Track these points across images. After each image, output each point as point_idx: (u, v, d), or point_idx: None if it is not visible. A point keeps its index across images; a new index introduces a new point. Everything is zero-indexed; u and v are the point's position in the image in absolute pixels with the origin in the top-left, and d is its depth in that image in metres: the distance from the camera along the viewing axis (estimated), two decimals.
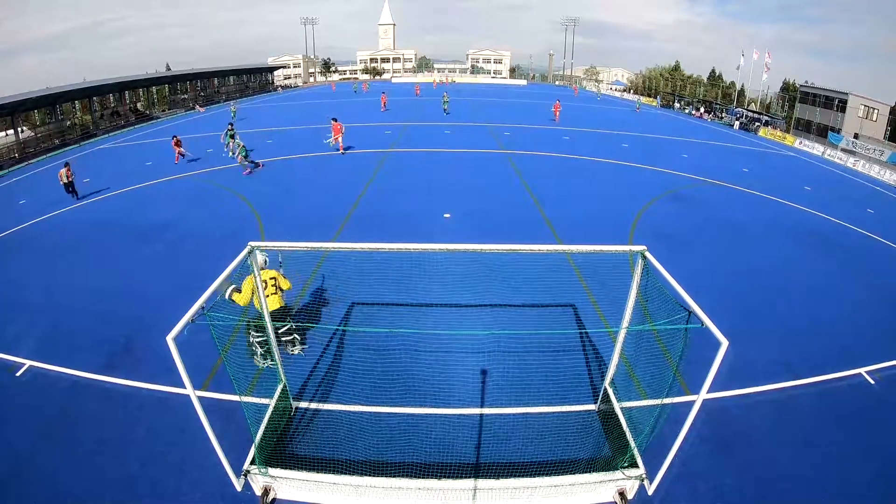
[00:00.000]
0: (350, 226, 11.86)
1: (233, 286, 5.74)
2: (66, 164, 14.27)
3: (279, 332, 6.35)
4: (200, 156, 19.63)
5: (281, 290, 6.42)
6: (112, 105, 33.62)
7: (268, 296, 6.07)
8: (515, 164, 18.20)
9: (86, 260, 10.26)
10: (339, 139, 19.39)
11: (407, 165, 18.03)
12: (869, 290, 9.46)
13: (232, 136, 18.85)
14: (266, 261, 6.35)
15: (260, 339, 6.27)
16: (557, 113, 30.67)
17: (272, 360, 5.85)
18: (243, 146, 17.05)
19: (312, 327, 7.33)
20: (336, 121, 19.65)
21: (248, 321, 6.30)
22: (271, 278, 6.29)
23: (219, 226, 11.92)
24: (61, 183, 14.08)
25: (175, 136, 19.07)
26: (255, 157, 19.17)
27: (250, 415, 4.52)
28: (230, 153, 18.68)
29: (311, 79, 77.24)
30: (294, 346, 6.77)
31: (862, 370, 6.85)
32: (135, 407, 5.90)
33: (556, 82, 75.94)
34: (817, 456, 5.35)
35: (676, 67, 64.92)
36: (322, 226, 11.77)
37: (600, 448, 5.17)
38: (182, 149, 18.87)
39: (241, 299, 5.82)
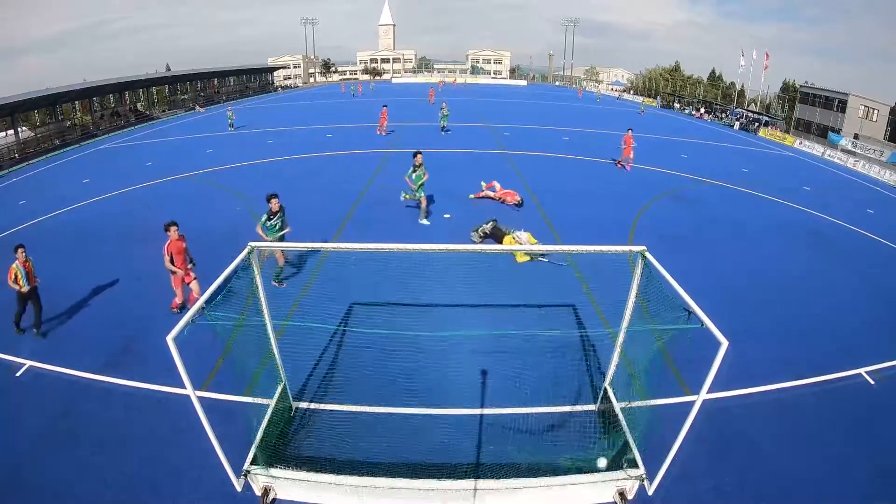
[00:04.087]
0: (350, 226, 11.86)
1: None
2: (21, 249, 7.05)
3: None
4: None
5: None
6: (112, 105, 33.63)
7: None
8: (515, 164, 18.20)
9: (86, 260, 10.26)
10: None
11: (407, 165, 17.98)
12: (869, 291, 9.47)
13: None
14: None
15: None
16: (629, 151, 17.51)
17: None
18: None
19: (312, 327, 7.32)
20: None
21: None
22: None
23: (219, 226, 11.92)
24: (13, 287, 7.01)
25: (172, 224, 7.87)
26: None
27: (252, 415, 4.51)
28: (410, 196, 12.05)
29: (311, 79, 77.26)
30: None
31: (862, 370, 6.85)
32: (135, 407, 5.90)
33: (557, 83, 75.97)
34: (817, 456, 5.35)
35: (676, 68, 64.95)
36: (322, 226, 11.77)
37: (600, 448, 5.16)
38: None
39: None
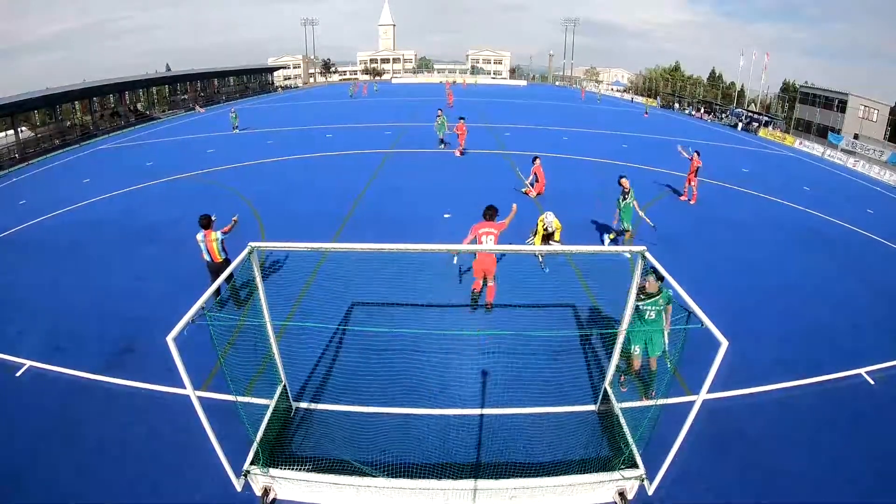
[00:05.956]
0: (350, 226, 11.86)
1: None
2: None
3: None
4: None
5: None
6: (112, 105, 33.62)
7: None
8: (516, 164, 18.19)
9: (86, 260, 10.26)
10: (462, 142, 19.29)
11: (407, 166, 18.04)
12: (869, 291, 9.46)
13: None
14: None
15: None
16: (695, 178, 14.19)
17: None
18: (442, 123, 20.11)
19: (312, 327, 7.32)
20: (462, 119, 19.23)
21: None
22: None
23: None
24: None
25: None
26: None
27: (248, 416, 4.51)
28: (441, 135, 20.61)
29: (312, 79, 77.27)
30: None
31: (862, 370, 6.85)
32: (135, 407, 5.90)
33: (557, 83, 75.94)
34: (817, 456, 5.35)
35: (676, 68, 64.93)
36: (322, 226, 11.77)
37: (600, 448, 5.16)
38: None
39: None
